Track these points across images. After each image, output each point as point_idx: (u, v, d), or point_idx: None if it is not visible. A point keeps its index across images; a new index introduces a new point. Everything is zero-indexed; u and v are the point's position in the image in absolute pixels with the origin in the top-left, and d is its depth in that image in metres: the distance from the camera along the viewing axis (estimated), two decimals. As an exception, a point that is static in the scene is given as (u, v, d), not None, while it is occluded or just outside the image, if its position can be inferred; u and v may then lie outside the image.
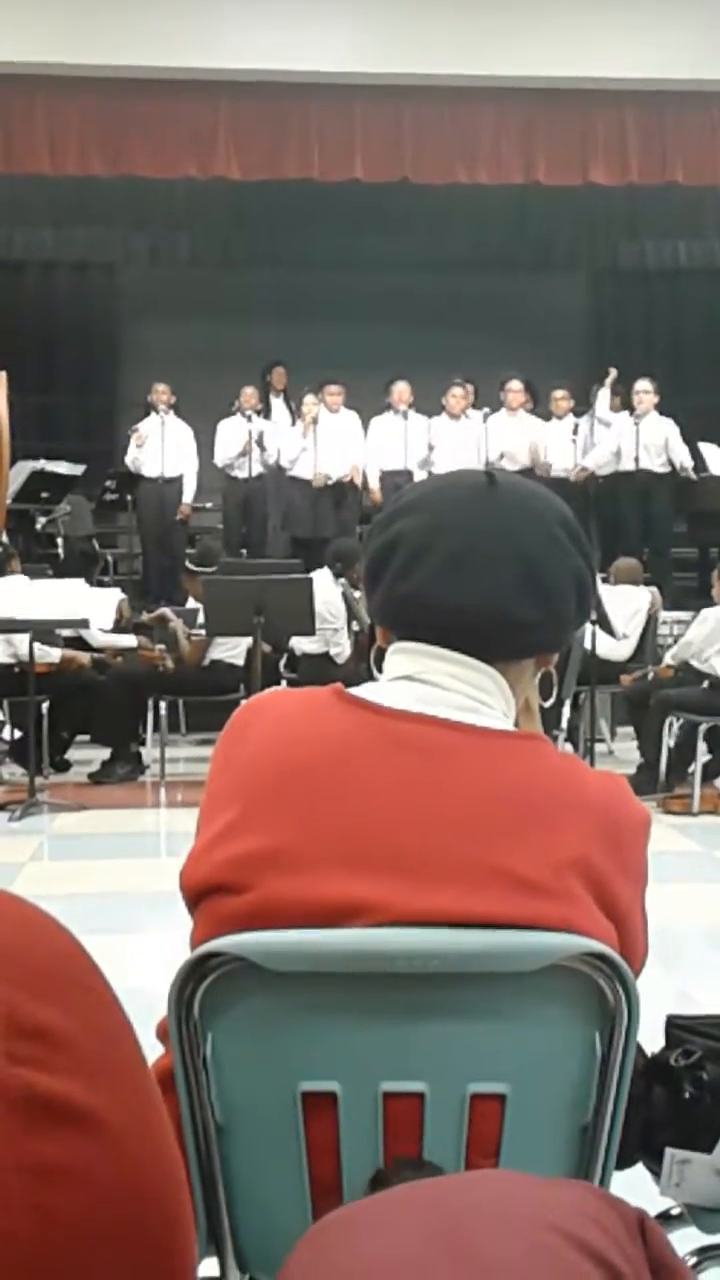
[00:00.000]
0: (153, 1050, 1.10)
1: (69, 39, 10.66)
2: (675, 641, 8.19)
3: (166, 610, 8.63)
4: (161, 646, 8.20)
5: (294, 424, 11.36)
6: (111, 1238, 0.61)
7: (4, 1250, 0.57)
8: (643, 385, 11.10)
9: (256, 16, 10.79)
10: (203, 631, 8.09)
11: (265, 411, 11.57)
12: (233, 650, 8.08)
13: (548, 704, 1.52)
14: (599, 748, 8.39)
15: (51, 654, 7.97)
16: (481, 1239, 0.83)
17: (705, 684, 7.46)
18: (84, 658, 8.18)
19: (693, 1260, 1.48)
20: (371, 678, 1.49)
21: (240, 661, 8.09)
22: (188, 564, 8.56)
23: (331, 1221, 0.92)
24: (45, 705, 7.78)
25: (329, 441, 10.92)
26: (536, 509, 1.45)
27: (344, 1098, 1.31)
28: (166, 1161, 0.66)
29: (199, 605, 8.30)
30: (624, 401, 11.32)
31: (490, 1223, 0.84)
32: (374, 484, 11.10)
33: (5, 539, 8.89)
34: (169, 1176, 0.65)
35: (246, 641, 7.89)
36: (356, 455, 11.06)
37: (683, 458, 10.93)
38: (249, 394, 11.32)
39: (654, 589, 9.05)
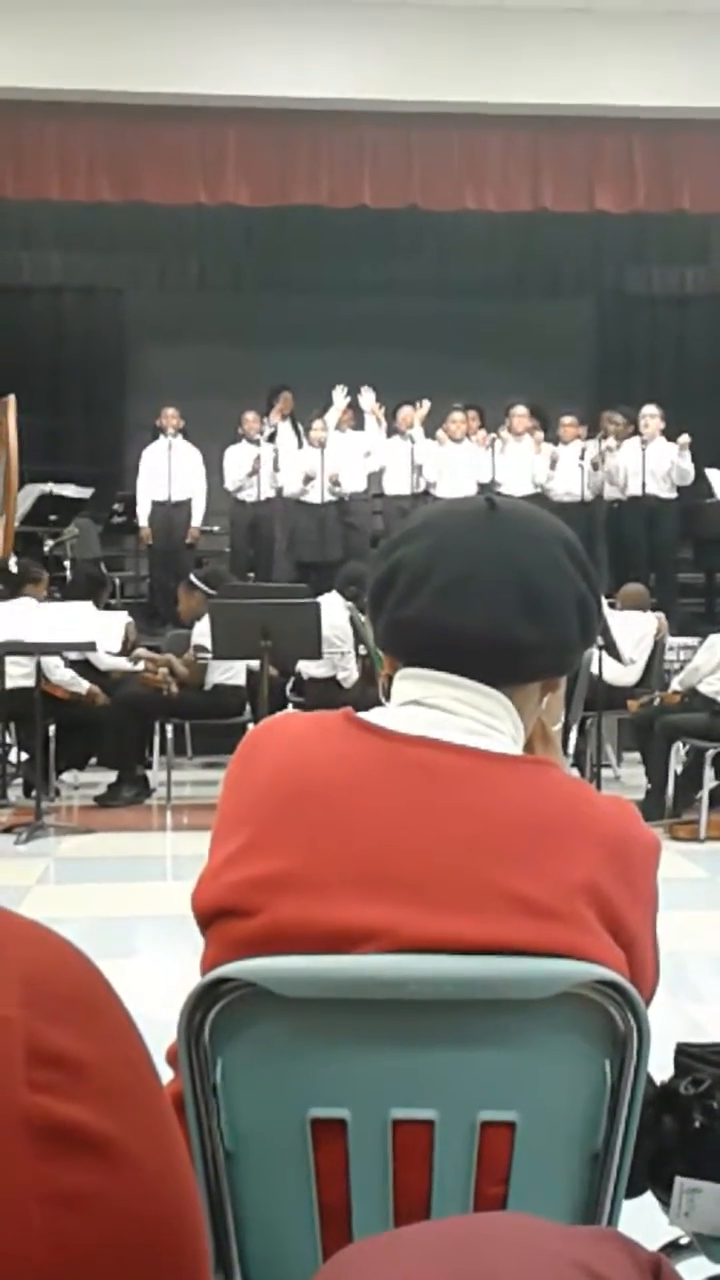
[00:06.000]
0: (162, 1075, 1.10)
1: (78, 65, 10.71)
2: (682, 667, 8.18)
3: (141, 650, 8.58)
4: (165, 670, 8.19)
5: (300, 447, 11.39)
6: (127, 1264, 0.61)
7: (20, 1277, 0.57)
8: (649, 410, 11.12)
9: (265, 43, 10.84)
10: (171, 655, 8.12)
11: (272, 437, 11.58)
12: (228, 672, 8.07)
13: (554, 729, 1.52)
14: (605, 773, 8.38)
15: (81, 684, 7.96)
16: (502, 1270, 0.83)
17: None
18: (103, 697, 8.11)
19: (702, 1290, 1.47)
20: (380, 702, 1.49)
21: (240, 681, 8.08)
22: (192, 577, 8.51)
23: (349, 1252, 0.91)
24: (53, 729, 7.78)
25: (336, 461, 10.96)
26: (537, 533, 1.45)
27: (354, 1125, 1.30)
28: (182, 1189, 0.66)
29: (186, 630, 8.30)
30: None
31: (512, 1255, 0.84)
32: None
33: (19, 561, 8.89)
34: (184, 1203, 0.66)
35: (243, 663, 7.88)
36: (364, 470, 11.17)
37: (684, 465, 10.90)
38: (250, 419, 11.34)
39: (660, 614, 9.05)
